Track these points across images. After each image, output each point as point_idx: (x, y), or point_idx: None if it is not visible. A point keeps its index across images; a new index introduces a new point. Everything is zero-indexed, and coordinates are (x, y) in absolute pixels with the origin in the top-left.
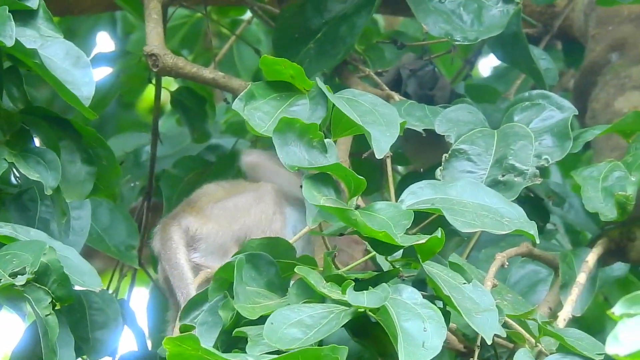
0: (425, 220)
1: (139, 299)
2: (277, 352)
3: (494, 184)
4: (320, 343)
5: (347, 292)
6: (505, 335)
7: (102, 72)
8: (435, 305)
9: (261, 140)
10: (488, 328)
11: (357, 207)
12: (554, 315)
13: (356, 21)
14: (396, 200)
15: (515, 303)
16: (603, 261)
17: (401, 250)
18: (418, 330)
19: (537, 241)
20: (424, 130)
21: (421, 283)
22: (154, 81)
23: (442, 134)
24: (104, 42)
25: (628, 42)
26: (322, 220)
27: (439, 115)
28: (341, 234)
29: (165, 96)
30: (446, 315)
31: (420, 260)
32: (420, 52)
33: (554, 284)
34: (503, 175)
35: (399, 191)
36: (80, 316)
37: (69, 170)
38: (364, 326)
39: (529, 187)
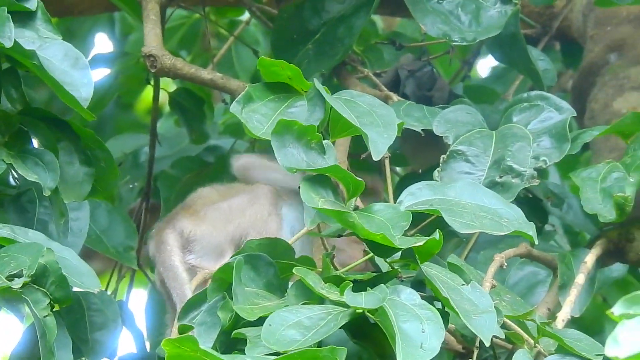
0: (424, 221)
1: (137, 300)
2: (277, 353)
3: (492, 185)
4: (319, 344)
5: (345, 293)
6: (503, 336)
7: (101, 73)
8: (434, 306)
9: (259, 141)
10: (486, 329)
11: (356, 208)
12: (552, 316)
13: (354, 22)
14: (394, 201)
15: (514, 304)
16: (602, 262)
17: (400, 252)
18: (416, 331)
19: (536, 242)
20: (422, 130)
21: (420, 284)
22: (152, 82)
23: (441, 135)
24: (102, 43)
25: (627, 43)
26: (320, 221)
27: (438, 116)
28: (339, 236)
29: (163, 97)
30: (445, 316)
31: (419, 261)
32: (419, 53)
33: (552, 285)
34: (501, 177)
35: (397, 192)
36: (79, 317)
37: (67, 171)
38: (363, 327)
39: (527, 187)
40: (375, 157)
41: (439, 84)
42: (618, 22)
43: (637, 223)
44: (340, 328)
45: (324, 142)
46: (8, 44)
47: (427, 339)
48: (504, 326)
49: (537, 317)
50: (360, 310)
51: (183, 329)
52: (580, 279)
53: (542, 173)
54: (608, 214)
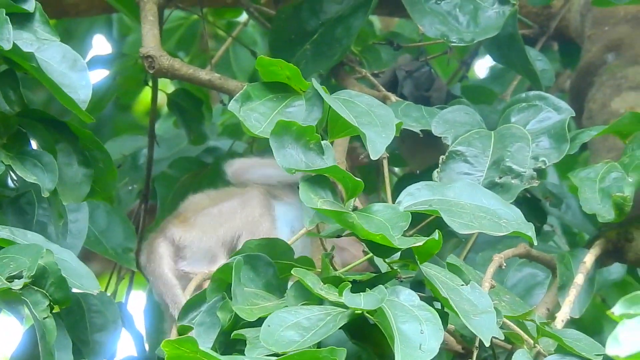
0: (423, 221)
1: (136, 302)
2: (276, 354)
3: (492, 186)
4: (319, 345)
5: (344, 294)
6: (503, 337)
7: (99, 75)
8: (433, 306)
9: (257, 141)
10: (486, 330)
11: (355, 209)
12: (551, 316)
13: (352, 22)
14: (392, 202)
15: (513, 304)
16: (600, 262)
17: (399, 252)
18: (415, 332)
19: (535, 243)
20: (420, 130)
21: (419, 284)
22: (150, 83)
23: (439, 136)
24: (100, 44)
25: (624, 43)
26: (319, 221)
27: (436, 116)
28: (339, 236)
29: (161, 98)
30: (444, 317)
31: (418, 261)
32: (416, 53)
33: (551, 285)
34: (500, 177)
35: (395, 193)
36: (79, 319)
37: (65, 172)
38: (362, 328)
39: (526, 188)
40: (374, 157)
41: (436, 84)
42: (615, 22)
43: (636, 223)
44: (339, 329)
45: (322, 142)
46: (7, 46)
47: (426, 340)
48: (503, 326)
49: (537, 318)
50: (359, 311)
51: (182, 330)
52: (580, 279)
53: (540, 173)
54: (607, 214)
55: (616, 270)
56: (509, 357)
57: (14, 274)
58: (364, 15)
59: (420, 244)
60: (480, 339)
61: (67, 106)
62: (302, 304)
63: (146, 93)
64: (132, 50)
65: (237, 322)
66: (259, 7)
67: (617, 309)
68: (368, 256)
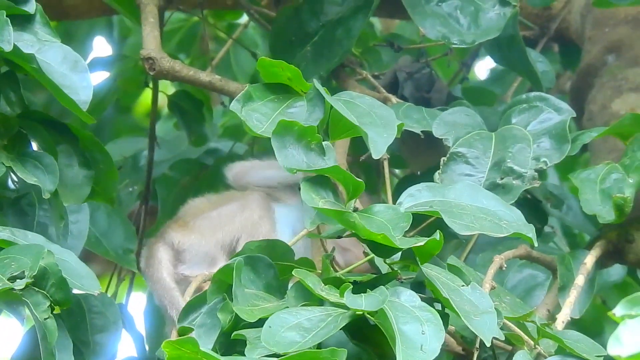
0: (423, 223)
1: (137, 303)
2: (276, 355)
3: (493, 187)
4: (319, 346)
5: (345, 295)
6: (503, 338)
7: (99, 77)
8: (434, 307)
9: (258, 143)
10: (487, 330)
11: (355, 210)
12: (552, 317)
13: (353, 24)
14: (393, 203)
15: (514, 305)
16: (601, 263)
17: (399, 253)
18: (416, 333)
19: (535, 244)
20: (421, 132)
21: (419, 285)
22: (151, 85)
23: (440, 137)
24: (101, 46)
25: (624, 44)
26: (320, 222)
27: (437, 118)
28: (339, 237)
29: (162, 100)
30: (445, 318)
31: (419, 262)
32: (417, 55)
33: (552, 287)
34: (502, 178)
35: (396, 194)
36: (80, 320)
37: (66, 174)
38: (363, 329)
39: (527, 189)
40: (375, 156)
41: (437, 85)
42: (616, 23)
43: (636, 224)
44: (340, 330)
45: (323, 143)
46: (8, 47)
47: (427, 341)
48: (503, 327)
49: (537, 319)
50: (360, 312)
51: (183, 331)
52: (580, 280)
53: (541, 174)
54: (607, 215)
55: (616, 271)
56: (510, 358)
57: (16, 274)
58: (364, 17)
59: (421, 244)
60: (480, 340)
61: (68, 107)
62: (303, 305)
63: (147, 95)
64: (132, 52)
65: (238, 323)
66: (260, 9)
67: (618, 310)
68: (369, 257)
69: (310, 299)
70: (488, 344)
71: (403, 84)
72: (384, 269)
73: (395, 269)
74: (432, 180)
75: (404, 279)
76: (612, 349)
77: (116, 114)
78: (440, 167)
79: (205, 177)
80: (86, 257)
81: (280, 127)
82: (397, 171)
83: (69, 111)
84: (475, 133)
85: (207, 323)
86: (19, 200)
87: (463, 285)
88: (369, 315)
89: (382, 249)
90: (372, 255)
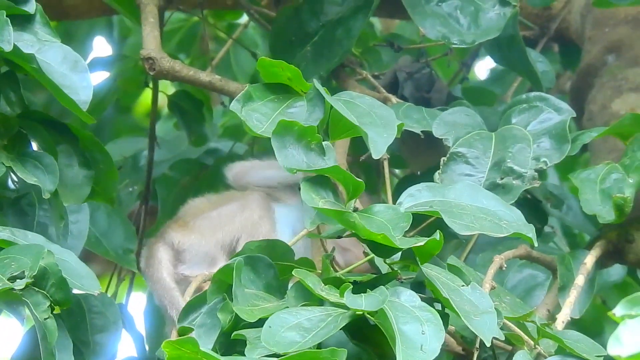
0: (423, 223)
1: (137, 303)
2: (276, 355)
3: (493, 187)
4: (319, 346)
5: (345, 295)
6: (503, 338)
7: (99, 77)
8: (434, 307)
9: (258, 143)
10: (487, 330)
11: (355, 210)
12: (552, 317)
13: (353, 24)
14: (393, 203)
15: (514, 305)
16: (601, 263)
17: (399, 253)
18: (416, 333)
19: (535, 244)
20: (421, 132)
21: (419, 285)
22: (151, 85)
23: (440, 137)
24: (101, 46)
25: (624, 44)
26: (320, 222)
27: (437, 118)
28: (339, 237)
29: (162, 100)
30: (445, 318)
31: (419, 262)
32: (417, 55)
33: (552, 287)
34: (502, 178)
35: (396, 194)
36: (80, 320)
37: (66, 174)
38: (363, 329)
39: (527, 189)
40: (375, 156)
41: (437, 85)
42: (616, 23)
43: (636, 224)
44: (340, 330)
45: (323, 143)
46: (8, 47)
47: (427, 341)
48: (503, 327)
49: (537, 319)
50: (360, 312)
51: (183, 331)
52: (580, 280)
53: (541, 174)
54: (607, 215)
55: (616, 271)
56: (510, 358)
57: (16, 274)
58: (364, 17)
59: (421, 244)
60: (480, 340)
61: (68, 107)
62: (303, 305)
63: (147, 95)
64: (132, 52)
65: (238, 323)
66: (260, 9)
67: (618, 310)
68: (369, 257)
69: (310, 299)
70: (488, 344)
71: (403, 84)
72: (384, 269)
73: (395, 269)
74: (432, 180)
75: (404, 279)
76: (612, 349)
77: (116, 114)
78: (440, 167)
79: (205, 177)
80: (86, 257)
81: (280, 127)
82: (397, 171)
83: (69, 111)
84: (475, 133)
85: (207, 323)
86: (19, 200)
87: (463, 285)
88: (369, 315)
89: (382, 249)
90: (372, 255)
